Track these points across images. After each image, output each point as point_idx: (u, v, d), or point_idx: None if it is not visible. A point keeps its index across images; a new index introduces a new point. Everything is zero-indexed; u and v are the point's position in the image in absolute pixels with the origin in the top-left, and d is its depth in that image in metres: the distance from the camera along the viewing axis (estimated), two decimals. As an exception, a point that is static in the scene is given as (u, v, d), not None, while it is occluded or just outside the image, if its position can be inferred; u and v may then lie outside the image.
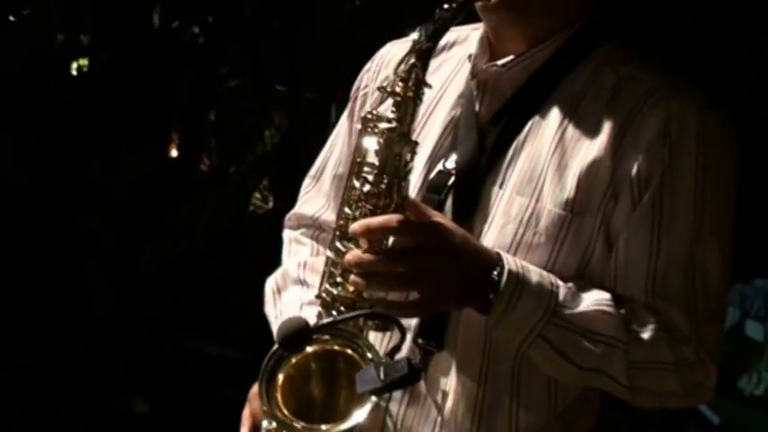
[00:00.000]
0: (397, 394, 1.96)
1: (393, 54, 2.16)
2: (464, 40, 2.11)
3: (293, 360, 1.82)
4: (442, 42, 2.05)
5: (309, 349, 1.81)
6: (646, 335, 1.83)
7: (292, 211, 2.36)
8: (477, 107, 1.99)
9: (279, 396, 1.81)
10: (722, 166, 1.88)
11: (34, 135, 4.72)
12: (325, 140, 2.36)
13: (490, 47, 2.01)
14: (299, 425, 1.80)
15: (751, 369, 9.26)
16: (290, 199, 5.76)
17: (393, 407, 1.98)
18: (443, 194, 1.93)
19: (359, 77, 2.30)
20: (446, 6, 1.84)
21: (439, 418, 1.94)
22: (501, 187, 1.90)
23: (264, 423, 1.92)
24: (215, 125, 5.69)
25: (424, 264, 1.72)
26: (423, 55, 1.80)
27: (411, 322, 1.95)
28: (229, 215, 5.04)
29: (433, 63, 2.00)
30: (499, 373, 1.92)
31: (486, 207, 1.90)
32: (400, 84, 1.82)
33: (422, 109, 1.97)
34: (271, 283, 2.27)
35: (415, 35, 1.82)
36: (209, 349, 4.66)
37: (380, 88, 1.86)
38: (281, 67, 5.59)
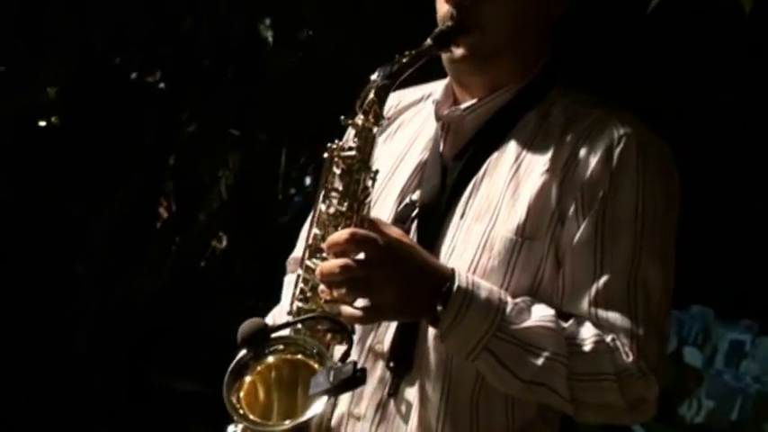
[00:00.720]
0: (369, 414, 2.09)
1: None
2: (433, 96, 2.29)
3: (257, 369, 1.94)
4: (419, 94, 2.28)
5: (271, 359, 1.94)
6: (587, 347, 1.93)
7: (291, 255, 2.46)
8: (441, 147, 2.16)
9: (243, 402, 1.92)
10: (661, 190, 2.02)
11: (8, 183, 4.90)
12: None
13: (453, 93, 2.20)
14: (262, 425, 1.92)
15: (690, 396, 9.46)
16: (244, 237, 5.97)
17: (365, 426, 2.10)
18: (407, 224, 2.09)
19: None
20: (406, 53, 2.03)
21: None
22: (462, 218, 2.06)
23: (230, 428, 2.04)
24: (174, 169, 5.87)
25: (369, 273, 1.87)
26: (380, 92, 1.98)
27: (384, 347, 2.10)
28: (192, 259, 5.24)
29: (411, 111, 2.29)
30: (459, 397, 2.04)
31: (449, 237, 2.05)
32: (361, 116, 2.00)
33: (397, 151, 2.21)
34: (269, 319, 2.37)
35: (374, 76, 2.00)
36: (178, 384, 4.82)
37: (343, 119, 2.02)
38: (236, 111, 5.79)
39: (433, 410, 2.03)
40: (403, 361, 2.06)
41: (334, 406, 2.10)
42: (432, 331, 2.03)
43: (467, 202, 2.06)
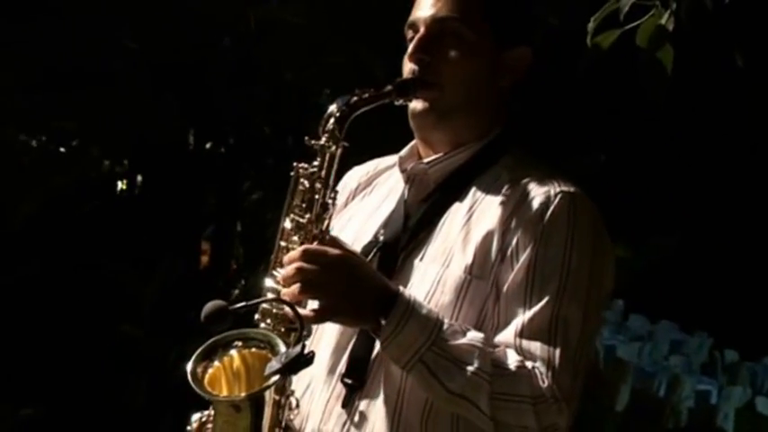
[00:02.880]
0: (336, 430, 2.23)
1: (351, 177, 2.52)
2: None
3: (217, 363, 2.07)
4: (392, 161, 2.48)
5: (234, 353, 2.09)
6: (509, 370, 2.09)
7: None
8: (406, 195, 2.36)
9: (207, 386, 2.05)
10: (589, 245, 2.21)
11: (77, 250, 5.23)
12: None
13: (417, 152, 2.40)
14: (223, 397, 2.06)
15: (763, 443, 9.51)
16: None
17: None
18: (370, 258, 2.26)
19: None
20: (366, 90, 2.24)
21: None
22: (421, 260, 2.25)
23: (195, 416, 2.18)
24: (242, 235, 6.16)
25: (319, 275, 2.07)
26: (340, 119, 2.19)
27: (341, 365, 2.25)
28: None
29: (386, 175, 2.49)
30: (411, 413, 2.18)
31: (409, 276, 2.23)
32: (323, 139, 2.19)
33: (371, 206, 2.42)
34: None
35: (333, 105, 2.21)
36: None
37: (306, 139, 2.20)
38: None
39: (387, 424, 2.20)
40: (355, 377, 2.23)
41: (305, 422, 2.26)
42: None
43: (426, 247, 2.27)
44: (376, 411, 2.21)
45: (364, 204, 2.44)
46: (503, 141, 2.36)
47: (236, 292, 5.81)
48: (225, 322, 2.04)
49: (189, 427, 2.17)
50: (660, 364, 10.61)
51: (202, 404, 2.12)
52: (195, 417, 2.17)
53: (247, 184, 6.03)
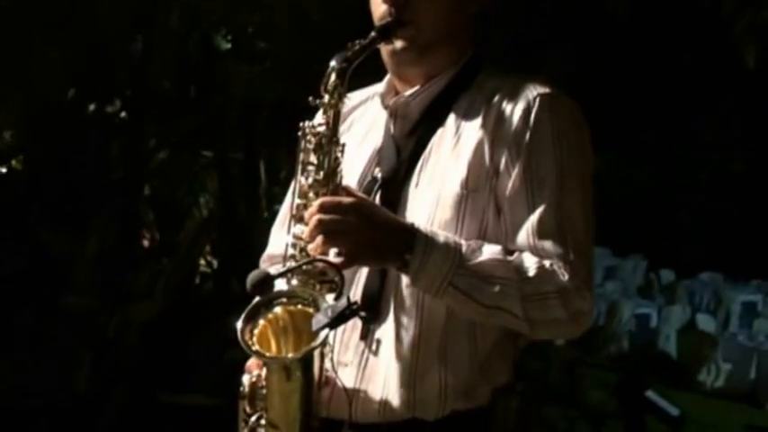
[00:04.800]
0: (354, 360, 2.37)
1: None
2: (377, 94, 2.60)
3: (265, 319, 2.22)
4: (364, 95, 2.61)
5: (278, 310, 2.23)
6: (532, 273, 2.25)
7: (264, 254, 2.70)
8: (392, 130, 2.47)
9: (257, 345, 2.19)
10: (574, 140, 2.36)
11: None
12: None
13: (394, 86, 2.51)
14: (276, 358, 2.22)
15: (708, 362, 9.38)
16: (232, 257, 5.91)
17: (351, 371, 2.37)
18: (372, 196, 2.39)
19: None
20: (356, 42, 2.34)
21: (382, 380, 2.35)
22: (417, 187, 2.38)
23: (245, 378, 2.31)
24: (150, 199, 5.86)
25: (339, 224, 2.19)
26: (341, 74, 2.31)
27: (354, 298, 2.30)
28: (182, 279, 5.33)
29: (360, 111, 2.60)
30: (430, 338, 2.33)
31: (407, 203, 2.38)
32: (326, 96, 2.31)
33: (353, 143, 2.47)
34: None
35: (333, 61, 2.31)
36: (184, 399, 4.96)
37: (311, 99, 2.32)
38: (206, 133, 5.78)
39: (405, 351, 2.33)
40: (371, 309, 2.34)
41: (324, 357, 2.32)
42: (398, 281, 2.34)
43: (419, 174, 2.39)
44: (393, 339, 2.34)
45: (345, 141, 2.46)
46: (476, 62, 2.49)
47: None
48: (270, 289, 2.22)
49: (241, 388, 2.31)
50: (596, 291, 10.41)
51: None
52: (246, 378, 2.31)
53: (152, 141, 5.68)
